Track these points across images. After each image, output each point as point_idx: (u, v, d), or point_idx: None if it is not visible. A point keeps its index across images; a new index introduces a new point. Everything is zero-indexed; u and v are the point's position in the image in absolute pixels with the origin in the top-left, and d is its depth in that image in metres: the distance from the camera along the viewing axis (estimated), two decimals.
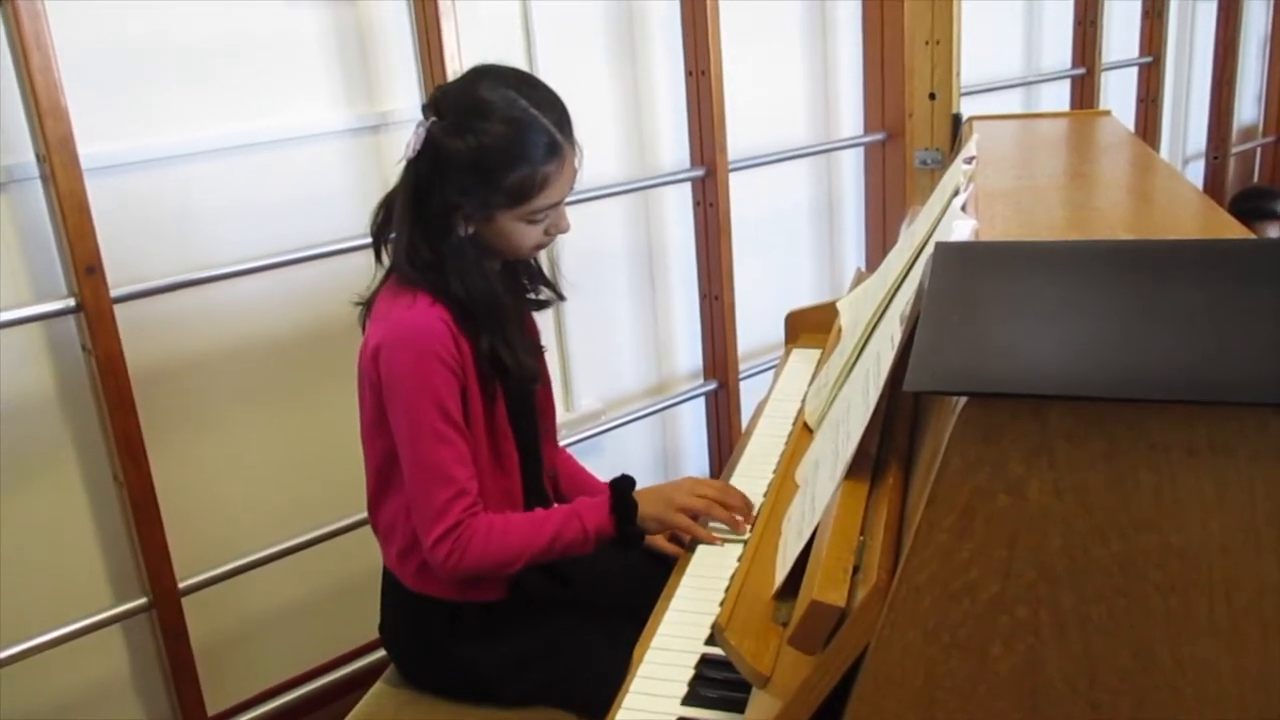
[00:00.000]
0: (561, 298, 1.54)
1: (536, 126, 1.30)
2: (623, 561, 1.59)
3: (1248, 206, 4.04)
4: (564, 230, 1.40)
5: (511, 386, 1.40)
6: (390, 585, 1.47)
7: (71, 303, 1.67)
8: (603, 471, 1.60)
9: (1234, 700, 0.69)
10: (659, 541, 1.57)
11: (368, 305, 1.42)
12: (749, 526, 1.38)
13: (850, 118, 3.09)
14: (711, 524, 1.40)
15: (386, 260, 1.41)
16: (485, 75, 1.34)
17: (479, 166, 1.29)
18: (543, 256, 1.52)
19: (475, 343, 1.34)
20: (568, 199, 1.39)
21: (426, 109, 1.34)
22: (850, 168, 3.16)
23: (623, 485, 1.41)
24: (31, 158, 1.64)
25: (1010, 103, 3.70)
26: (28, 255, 1.73)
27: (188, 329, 1.93)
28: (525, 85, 1.33)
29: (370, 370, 1.33)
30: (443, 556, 1.31)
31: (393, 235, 1.38)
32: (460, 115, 1.30)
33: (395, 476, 1.38)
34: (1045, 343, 0.76)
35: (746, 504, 1.41)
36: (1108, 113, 2.01)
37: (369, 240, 1.44)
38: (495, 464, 1.40)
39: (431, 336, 1.29)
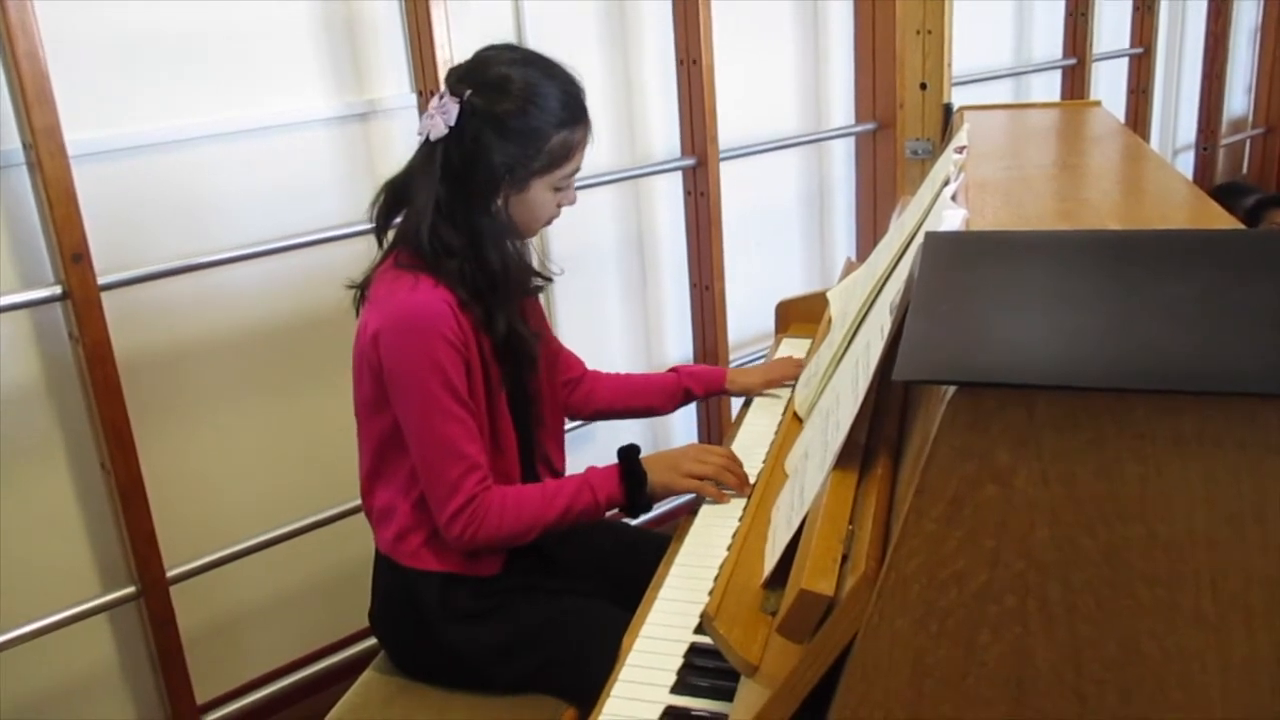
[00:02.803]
0: (550, 279, 1.55)
1: (567, 93, 1.36)
2: (613, 547, 1.61)
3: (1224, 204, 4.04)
4: (572, 203, 1.45)
5: (513, 365, 1.41)
6: (382, 569, 1.47)
7: (58, 290, 1.66)
8: (594, 462, 1.60)
9: (1219, 691, 0.70)
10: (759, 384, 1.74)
11: (362, 288, 1.42)
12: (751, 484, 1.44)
13: (841, 107, 3.09)
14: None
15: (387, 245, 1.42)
16: (501, 52, 1.38)
17: (529, 127, 1.33)
18: (531, 242, 1.52)
19: (484, 321, 1.36)
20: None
21: (456, 86, 1.34)
22: (841, 158, 3.16)
23: (630, 454, 1.45)
24: (18, 145, 1.63)
25: (1001, 93, 3.71)
26: (14, 242, 1.72)
27: (176, 316, 1.93)
28: (541, 62, 1.38)
29: (370, 353, 1.34)
30: (459, 531, 1.33)
31: (399, 220, 1.39)
32: (495, 85, 1.34)
33: (393, 458, 1.39)
34: (1034, 333, 0.76)
35: (745, 481, 1.48)
36: (1098, 103, 2.01)
37: (358, 228, 1.44)
38: (493, 444, 1.41)
39: (436, 316, 1.31)
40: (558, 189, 1.39)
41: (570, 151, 1.37)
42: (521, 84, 1.33)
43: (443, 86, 1.37)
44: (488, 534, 1.34)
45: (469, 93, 1.33)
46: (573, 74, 1.39)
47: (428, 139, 1.35)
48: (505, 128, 1.32)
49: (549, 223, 1.45)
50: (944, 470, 0.70)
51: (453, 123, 1.33)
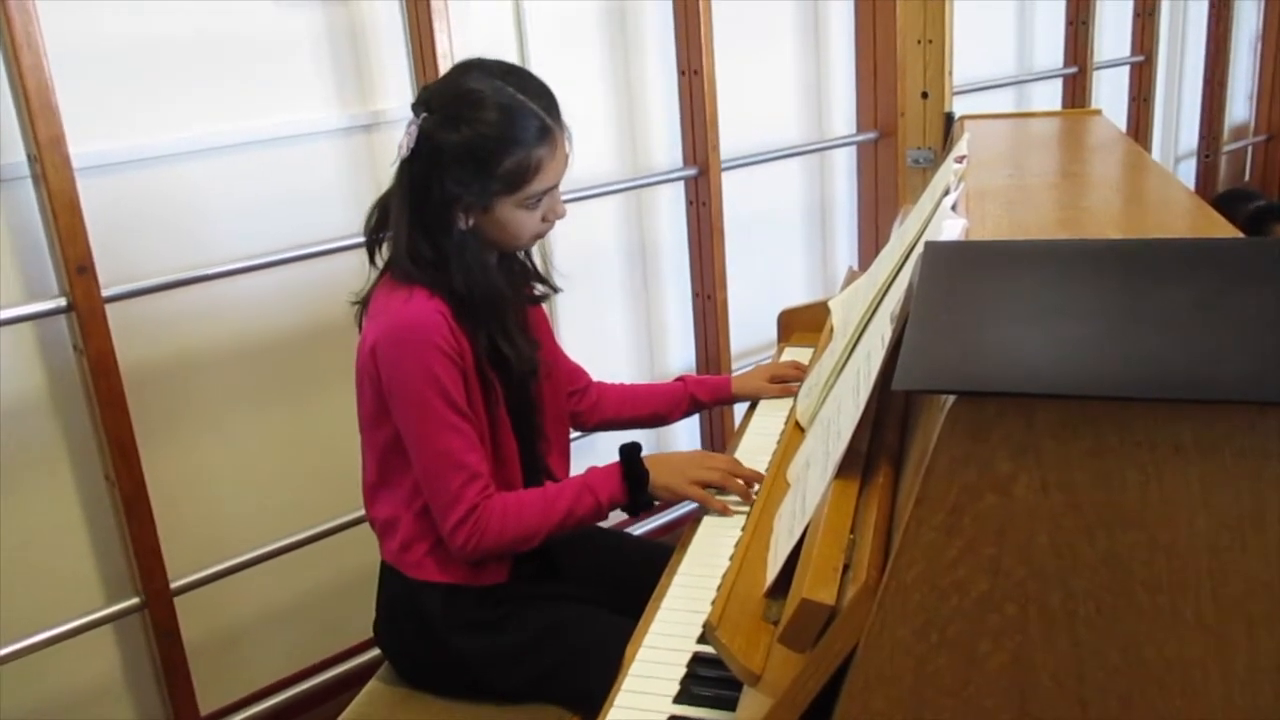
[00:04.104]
0: (556, 290, 1.55)
1: (526, 111, 1.32)
2: (616, 557, 1.61)
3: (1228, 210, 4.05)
4: (561, 216, 1.42)
5: (510, 379, 1.41)
6: (387, 580, 1.47)
7: (63, 302, 1.67)
8: None
9: (1220, 697, 0.70)
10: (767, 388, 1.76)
11: (364, 303, 1.43)
12: (755, 490, 1.44)
13: (843, 117, 3.10)
14: (720, 496, 1.46)
15: (380, 262, 1.42)
16: (471, 68, 1.36)
17: (474, 155, 1.31)
18: (535, 252, 1.52)
19: (474, 336, 1.35)
20: (562, 187, 1.41)
21: (416, 106, 1.35)
22: (843, 167, 3.17)
23: (632, 452, 1.44)
24: (23, 157, 1.63)
25: (1002, 102, 3.71)
26: (19, 255, 1.73)
27: (180, 328, 1.93)
28: (511, 74, 1.36)
29: (369, 366, 1.34)
30: (462, 540, 1.33)
31: (388, 235, 1.39)
32: (451, 107, 1.32)
33: (396, 470, 1.39)
34: (1033, 341, 0.76)
35: (756, 475, 1.47)
36: (1099, 112, 2.02)
37: (361, 239, 1.44)
38: (494, 455, 1.41)
39: (429, 327, 1.31)
40: (530, 207, 1.36)
41: (529, 173, 1.33)
42: (474, 109, 1.31)
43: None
44: (491, 542, 1.34)
45: (424, 115, 1.33)
46: (541, 90, 1.36)
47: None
48: (452, 155, 1.31)
49: (539, 236, 1.43)
50: (944, 479, 0.70)
51: (413, 144, 1.32)
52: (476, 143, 1.30)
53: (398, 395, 1.32)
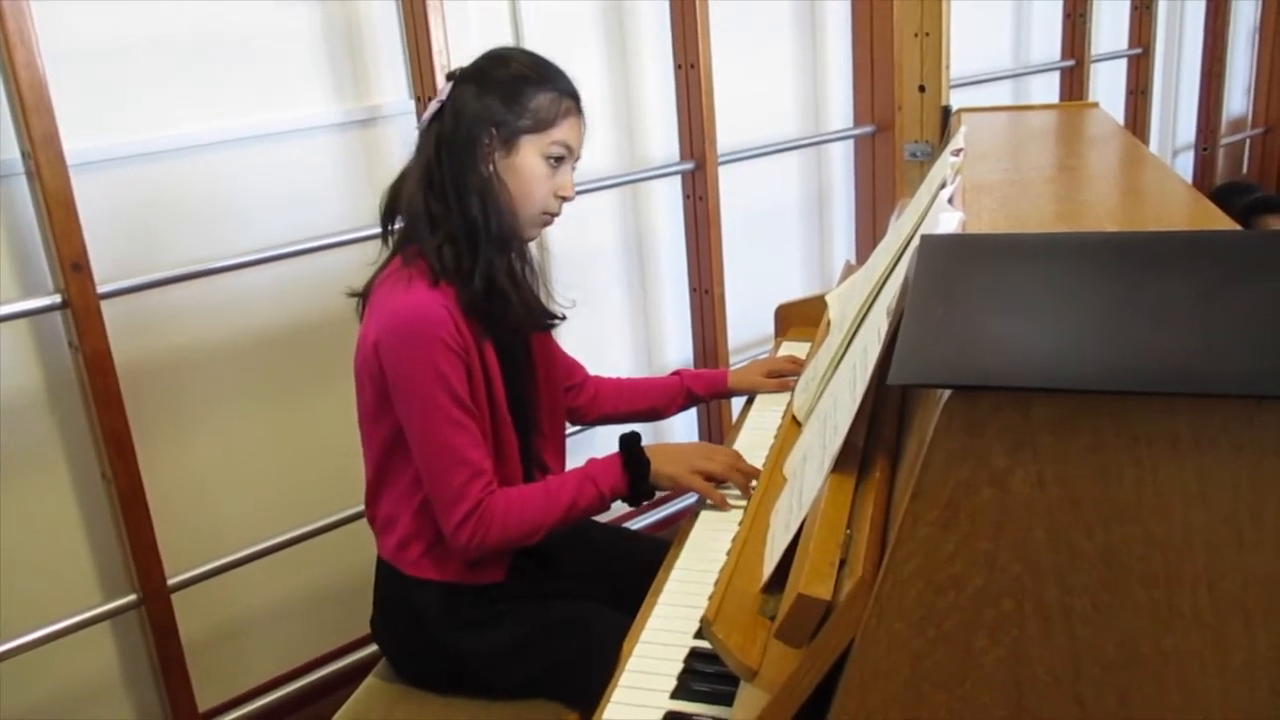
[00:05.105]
0: (561, 318, 1.53)
1: (556, 71, 1.40)
2: (614, 552, 1.61)
3: (1226, 203, 4.05)
4: (570, 195, 1.43)
5: (511, 371, 1.41)
6: (385, 577, 1.47)
7: (58, 299, 1.67)
8: None
9: (1217, 692, 0.70)
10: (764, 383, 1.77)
11: (365, 294, 1.42)
12: (752, 485, 1.44)
13: (840, 110, 3.09)
14: (721, 489, 1.46)
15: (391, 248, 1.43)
16: (501, 46, 1.44)
17: (508, 90, 1.36)
18: (539, 284, 1.50)
19: (465, 283, 1.34)
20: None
21: (449, 76, 1.40)
22: (840, 160, 3.16)
23: (632, 442, 1.44)
24: (16, 154, 1.63)
25: (1000, 95, 3.71)
26: (13, 251, 1.72)
27: (176, 325, 1.93)
28: (539, 58, 1.43)
29: (371, 361, 1.34)
30: (466, 538, 1.32)
31: (402, 216, 1.40)
32: (486, 62, 1.40)
33: (395, 467, 1.39)
34: (1029, 335, 0.76)
35: (757, 472, 1.46)
36: (1096, 105, 2.01)
37: (358, 234, 1.44)
38: (496, 451, 1.40)
39: (434, 322, 1.30)
40: (549, 162, 1.38)
41: (557, 115, 1.37)
42: (506, 60, 1.38)
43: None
44: (495, 539, 1.34)
45: (459, 71, 1.39)
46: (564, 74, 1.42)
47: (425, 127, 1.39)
48: (489, 82, 1.36)
49: (549, 218, 1.42)
50: (940, 473, 0.70)
51: (444, 98, 1.37)
52: (510, 79, 1.36)
53: (402, 390, 1.32)
